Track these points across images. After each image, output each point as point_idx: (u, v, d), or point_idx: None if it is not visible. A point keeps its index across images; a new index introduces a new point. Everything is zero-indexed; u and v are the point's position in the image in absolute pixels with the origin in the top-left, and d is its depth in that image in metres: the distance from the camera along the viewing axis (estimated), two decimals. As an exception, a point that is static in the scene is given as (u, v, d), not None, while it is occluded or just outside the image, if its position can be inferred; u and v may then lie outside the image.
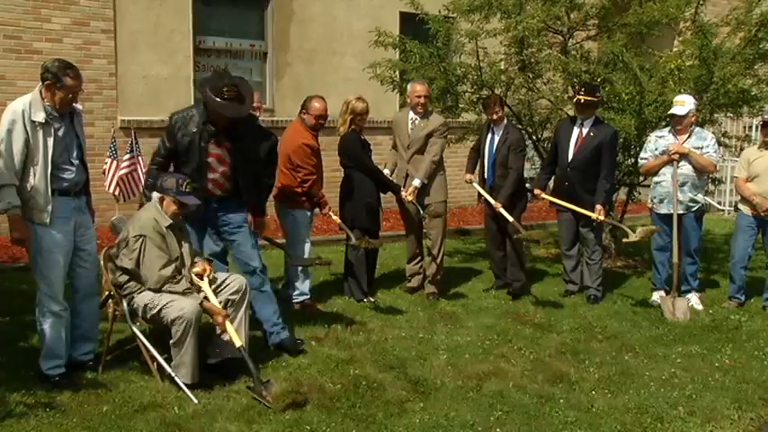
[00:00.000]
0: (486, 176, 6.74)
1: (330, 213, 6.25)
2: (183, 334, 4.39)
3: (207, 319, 4.71)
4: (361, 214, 6.37)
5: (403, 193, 6.42)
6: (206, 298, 4.57)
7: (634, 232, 6.23)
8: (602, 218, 6.35)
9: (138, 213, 4.72)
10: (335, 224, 6.62)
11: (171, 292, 4.51)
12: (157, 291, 4.52)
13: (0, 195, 4.25)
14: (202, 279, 4.67)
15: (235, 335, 4.49)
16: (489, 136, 6.69)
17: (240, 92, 4.87)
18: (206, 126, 4.93)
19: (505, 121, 6.71)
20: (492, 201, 6.51)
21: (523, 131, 7.82)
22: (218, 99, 4.78)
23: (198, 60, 9.70)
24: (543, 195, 6.79)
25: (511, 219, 6.39)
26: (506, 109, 7.27)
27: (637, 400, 4.52)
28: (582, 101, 6.39)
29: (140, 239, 4.51)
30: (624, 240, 6.47)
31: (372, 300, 6.45)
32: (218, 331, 4.69)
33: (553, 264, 8.10)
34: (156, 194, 4.72)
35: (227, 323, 4.51)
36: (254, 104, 5.58)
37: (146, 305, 4.52)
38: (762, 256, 6.76)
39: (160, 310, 4.46)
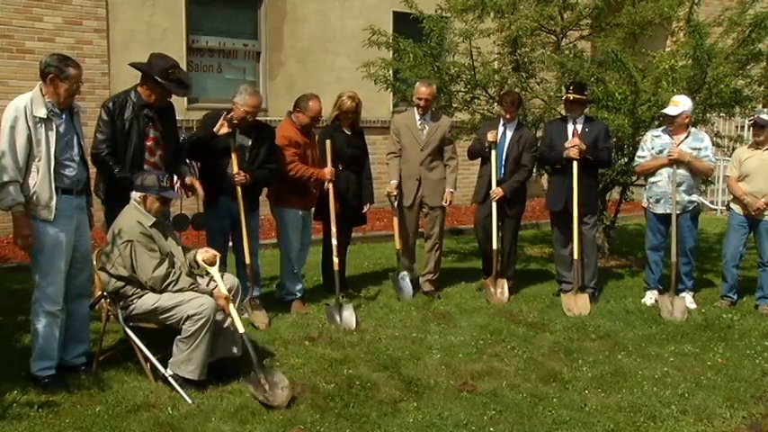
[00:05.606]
0: (495, 171, 6.71)
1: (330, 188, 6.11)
2: (198, 330, 4.40)
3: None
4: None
5: (446, 197, 6.58)
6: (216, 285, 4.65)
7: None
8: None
9: (120, 218, 4.63)
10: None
11: (178, 291, 4.50)
12: (160, 292, 4.50)
13: (3, 193, 4.21)
14: (213, 266, 4.73)
15: (239, 321, 4.57)
16: (501, 131, 6.70)
17: (182, 75, 5.11)
18: (142, 110, 5.02)
19: (516, 120, 6.78)
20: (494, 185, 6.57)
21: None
22: (163, 80, 4.94)
23: (191, 60, 9.67)
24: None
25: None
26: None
27: (629, 398, 4.53)
28: (571, 98, 6.47)
29: (128, 245, 4.48)
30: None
31: (345, 295, 6.33)
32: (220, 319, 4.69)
33: (546, 263, 8.11)
34: (136, 194, 4.64)
35: (232, 309, 4.59)
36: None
37: (154, 307, 4.47)
38: (754, 254, 6.78)
39: (173, 307, 4.44)
